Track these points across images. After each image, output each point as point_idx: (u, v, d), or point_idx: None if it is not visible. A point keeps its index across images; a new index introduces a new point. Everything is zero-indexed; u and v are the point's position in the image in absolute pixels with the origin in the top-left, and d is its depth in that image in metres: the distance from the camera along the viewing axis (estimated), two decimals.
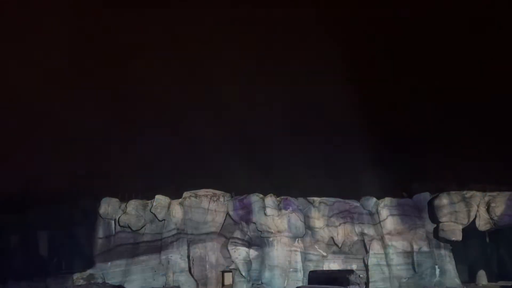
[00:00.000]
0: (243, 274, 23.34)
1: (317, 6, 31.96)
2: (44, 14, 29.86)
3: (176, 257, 23.47)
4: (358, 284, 20.16)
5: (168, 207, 23.98)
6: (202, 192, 24.29)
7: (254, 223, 23.80)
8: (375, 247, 23.83)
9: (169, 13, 32.51)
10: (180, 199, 24.16)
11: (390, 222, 24.04)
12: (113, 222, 23.90)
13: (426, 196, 24.49)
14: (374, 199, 24.50)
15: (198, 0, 32.58)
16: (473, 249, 25.16)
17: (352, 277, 19.90)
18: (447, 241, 23.78)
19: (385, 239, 23.89)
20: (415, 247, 23.75)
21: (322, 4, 32.15)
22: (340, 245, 23.93)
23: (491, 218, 23.49)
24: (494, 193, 23.98)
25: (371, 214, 24.24)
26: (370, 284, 23.30)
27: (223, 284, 23.32)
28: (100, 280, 22.92)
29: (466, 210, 23.69)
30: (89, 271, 23.22)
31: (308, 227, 24.00)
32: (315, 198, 24.47)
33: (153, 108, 30.91)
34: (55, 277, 23.93)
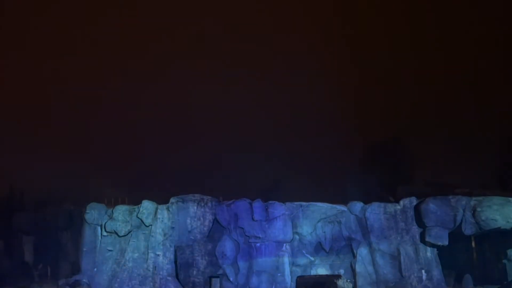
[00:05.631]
0: (231, 279, 23.30)
1: None
2: None
3: (163, 262, 23.36)
4: None
5: (155, 213, 23.84)
6: (189, 197, 24.19)
7: (242, 228, 23.77)
8: (362, 252, 23.89)
9: None
10: (167, 204, 24.04)
11: (377, 226, 24.10)
12: (99, 227, 23.72)
13: (412, 200, 24.57)
14: (361, 204, 24.53)
15: None
16: (459, 254, 25.32)
17: (340, 282, 19.94)
18: (434, 245, 23.89)
19: (372, 243, 23.94)
20: (402, 252, 23.83)
21: None
22: (327, 250, 23.95)
23: (477, 223, 23.64)
24: (480, 198, 24.14)
25: (358, 218, 24.28)
26: None
27: None
28: (86, 287, 22.73)
29: (452, 214, 23.81)
30: (75, 277, 22.99)
31: (296, 232, 23.99)
32: (303, 203, 24.46)
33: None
34: (40, 283, 23.70)
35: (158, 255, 23.43)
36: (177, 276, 23.31)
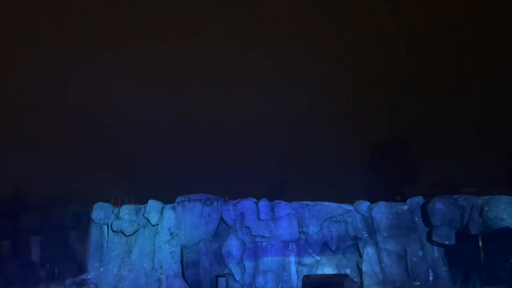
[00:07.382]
0: (237, 278, 23.31)
1: None
2: None
3: (169, 262, 23.38)
4: None
5: (161, 212, 23.88)
6: (195, 196, 24.22)
7: (248, 227, 23.76)
8: (369, 251, 23.82)
9: None
10: (173, 204, 24.07)
11: (383, 226, 24.01)
12: (105, 227, 23.80)
13: (419, 200, 24.48)
14: (368, 203, 24.46)
15: None
16: (466, 253, 25.19)
17: (346, 282, 19.93)
18: (441, 245, 23.79)
19: (378, 243, 23.88)
20: (409, 251, 23.75)
21: None
22: (334, 250, 23.92)
23: (484, 222, 23.51)
24: (487, 197, 24.01)
25: (364, 218, 24.22)
26: None
27: None
28: (93, 286, 22.80)
29: (459, 213, 23.69)
30: (81, 277, 23.09)
31: (302, 231, 23.96)
32: (309, 202, 24.43)
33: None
34: (47, 283, 23.77)
35: (164, 254, 23.45)
36: (183, 275, 23.35)
